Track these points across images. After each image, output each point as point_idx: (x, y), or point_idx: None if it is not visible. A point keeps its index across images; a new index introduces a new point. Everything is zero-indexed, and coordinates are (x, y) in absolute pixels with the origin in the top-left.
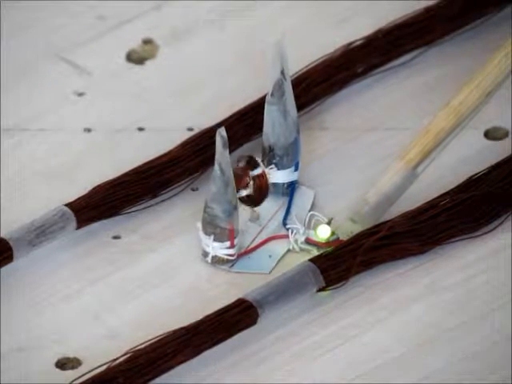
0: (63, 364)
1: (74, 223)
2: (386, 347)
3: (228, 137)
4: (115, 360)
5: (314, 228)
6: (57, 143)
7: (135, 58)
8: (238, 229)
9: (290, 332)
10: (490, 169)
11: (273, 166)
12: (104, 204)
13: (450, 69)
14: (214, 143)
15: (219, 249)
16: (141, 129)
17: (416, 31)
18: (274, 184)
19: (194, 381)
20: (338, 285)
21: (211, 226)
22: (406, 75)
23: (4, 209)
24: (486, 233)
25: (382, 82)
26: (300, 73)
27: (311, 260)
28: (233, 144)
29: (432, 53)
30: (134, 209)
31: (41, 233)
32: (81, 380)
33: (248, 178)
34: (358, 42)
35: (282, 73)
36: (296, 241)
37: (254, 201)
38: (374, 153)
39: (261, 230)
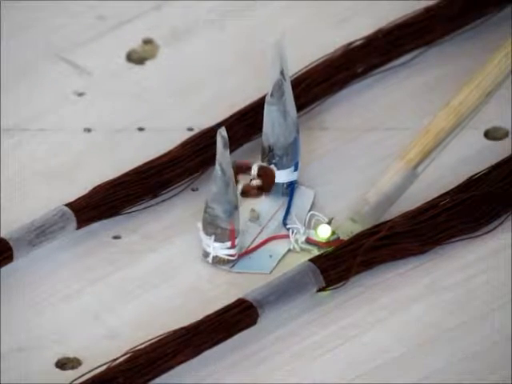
0: (63, 364)
1: (74, 223)
2: (386, 347)
3: (228, 137)
4: (115, 360)
5: (315, 228)
6: (57, 143)
7: (135, 58)
8: (239, 229)
9: (289, 332)
10: (490, 169)
11: (272, 165)
12: (104, 204)
13: (449, 69)
14: (214, 143)
15: (220, 249)
16: (141, 129)
17: (416, 31)
18: (274, 184)
19: (194, 381)
20: (338, 285)
21: (212, 227)
22: (406, 75)
23: (4, 209)
24: (486, 233)
25: (382, 82)
26: (300, 73)
27: (311, 260)
28: (233, 144)
29: (432, 53)
30: (134, 209)
31: (41, 233)
32: (81, 380)
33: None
34: (358, 42)
35: (282, 73)
36: (296, 241)
37: (263, 188)
38: (374, 153)
39: (261, 230)
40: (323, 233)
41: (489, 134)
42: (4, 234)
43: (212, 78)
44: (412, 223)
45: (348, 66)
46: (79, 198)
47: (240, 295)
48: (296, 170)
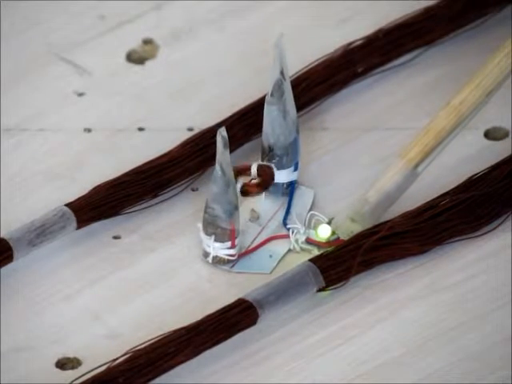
0: (63, 364)
1: (74, 223)
2: (386, 347)
3: (228, 137)
4: (115, 360)
5: (315, 228)
6: (57, 143)
7: (135, 58)
8: (239, 229)
9: (290, 332)
10: (490, 169)
11: (272, 165)
12: (104, 204)
13: (450, 69)
14: (214, 143)
15: (220, 249)
16: (141, 129)
17: (416, 31)
18: (274, 184)
19: (194, 381)
20: (337, 285)
21: (212, 227)
22: (406, 75)
23: (4, 209)
24: (486, 233)
25: (381, 82)
26: (300, 73)
27: (311, 260)
28: (233, 144)
29: (432, 53)
30: (134, 209)
31: (41, 233)
32: (81, 380)
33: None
34: (358, 42)
35: (282, 73)
36: (297, 241)
37: (262, 186)
38: (374, 153)
39: (261, 230)
40: (323, 233)
41: (489, 134)
42: (4, 234)
43: (212, 78)
44: (412, 223)
45: (348, 66)
46: (79, 198)
47: (240, 295)
48: (296, 169)
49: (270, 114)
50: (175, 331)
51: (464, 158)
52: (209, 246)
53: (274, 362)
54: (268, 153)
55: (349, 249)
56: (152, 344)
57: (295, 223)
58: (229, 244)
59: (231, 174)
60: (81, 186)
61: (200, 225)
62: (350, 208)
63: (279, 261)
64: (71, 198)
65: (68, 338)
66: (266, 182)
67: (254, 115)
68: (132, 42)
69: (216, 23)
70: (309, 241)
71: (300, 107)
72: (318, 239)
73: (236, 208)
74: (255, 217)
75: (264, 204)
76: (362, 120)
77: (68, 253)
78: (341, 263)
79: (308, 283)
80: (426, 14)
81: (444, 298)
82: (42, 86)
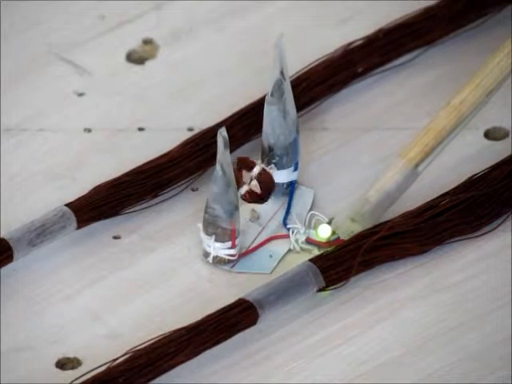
0: (63, 364)
1: (74, 223)
2: (386, 347)
3: (228, 137)
4: (115, 360)
5: (315, 228)
6: (57, 143)
7: (135, 58)
8: (239, 229)
9: (290, 332)
10: (490, 169)
11: (272, 165)
12: (104, 204)
13: (449, 69)
14: (214, 143)
15: (220, 249)
16: (141, 129)
17: (416, 31)
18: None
19: (194, 381)
20: (337, 285)
21: (212, 227)
22: (406, 75)
23: (4, 209)
24: (486, 233)
25: (382, 82)
26: (300, 73)
27: (311, 260)
28: (233, 144)
29: (432, 53)
30: (134, 209)
31: (41, 233)
32: (81, 380)
33: (244, 180)
34: (358, 42)
35: (282, 73)
36: (297, 240)
37: (262, 197)
38: (374, 153)
39: (261, 230)
40: (323, 233)
41: (489, 134)
42: (4, 234)
43: (212, 78)
44: (412, 223)
45: (348, 66)
46: (79, 198)
47: (240, 295)
48: (296, 169)
49: (269, 114)
50: (175, 331)
51: (464, 158)
52: (209, 246)
53: (274, 362)
54: (268, 153)
55: (349, 249)
56: (152, 344)
57: (295, 223)
58: (229, 244)
59: (232, 174)
60: (81, 185)
61: (200, 225)
62: (350, 208)
63: (279, 261)
64: (71, 198)
65: (68, 338)
66: (265, 192)
67: (254, 115)
68: (132, 42)
69: (216, 23)
70: (309, 241)
71: (300, 107)
72: (318, 239)
73: (236, 208)
74: (255, 217)
75: (264, 204)
76: (362, 120)
77: (68, 253)
78: (341, 263)
79: (308, 283)
80: (426, 14)
81: (444, 298)
82: (42, 85)
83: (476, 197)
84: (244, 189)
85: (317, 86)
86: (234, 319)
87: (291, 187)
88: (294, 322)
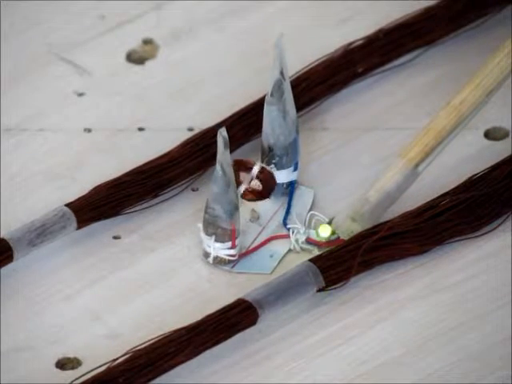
0: (63, 364)
1: (74, 223)
2: (386, 347)
3: (228, 137)
4: (115, 360)
5: (315, 228)
6: (57, 143)
7: (135, 58)
8: (240, 229)
9: (290, 332)
10: (490, 169)
11: (272, 165)
12: (104, 204)
13: (449, 69)
14: (214, 143)
15: (221, 249)
16: (141, 129)
17: (416, 31)
18: None
19: (194, 381)
20: (337, 285)
21: (213, 227)
22: (406, 75)
23: (4, 209)
24: (486, 233)
25: (382, 82)
26: (300, 73)
27: (311, 260)
28: (233, 144)
29: (432, 53)
30: (134, 209)
31: (41, 233)
32: (81, 380)
33: (243, 180)
34: (358, 42)
35: (281, 73)
36: (297, 241)
37: (262, 194)
38: (374, 153)
39: (261, 231)
40: (323, 233)
41: (489, 134)
42: (4, 234)
43: (212, 78)
44: (412, 223)
45: (348, 66)
46: (79, 198)
47: (240, 295)
48: (296, 169)
49: (269, 114)
50: (175, 331)
51: (464, 158)
52: (209, 247)
53: (274, 362)
54: (268, 153)
55: (349, 249)
56: (152, 344)
57: (295, 223)
58: (229, 244)
59: (232, 174)
60: (81, 186)
61: (200, 225)
62: (350, 208)
63: (280, 261)
64: (71, 198)
65: (68, 338)
66: (266, 190)
67: (253, 115)
68: (132, 42)
69: (216, 23)
70: (309, 241)
71: (300, 107)
72: (318, 239)
73: (236, 208)
74: (255, 217)
75: (264, 204)
76: (362, 120)
77: (68, 253)
78: (341, 263)
79: (308, 283)
80: (426, 14)
81: (444, 298)
82: (42, 85)
83: (476, 197)
84: (243, 187)
85: (317, 85)
86: (234, 319)
87: (291, 187)
88: (294, 322)
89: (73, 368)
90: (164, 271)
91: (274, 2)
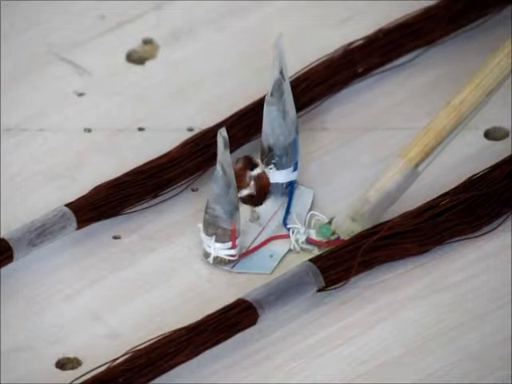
0: (63, 364)
1: (74, 223)
2: (386, 347)
3: (228, 137)
4: (115, 360)
5: (315, 228)
6: (57, 143)
7: (135, 58)
8: (240, 229)
9: (290, 332)
10: (490, 169)
11: (272, 165)
12: (104, 204)
13: (449, 69)
14: (214, 143)
15: (221, 249)
16: (141, 129)
17: (416, 31)
18: (274, 184)
19: (194, 381)
20: (337, 285)
21: (213, 227)
22: (406, 75)
23: (4, 209)
24: (486, 233)
25: (382, 82)
26: (300, 73)
27: (311, 260)
28: (233, 144)
29: (432, 53)
30: (134, 209)
31: (41, 233)
32: (81, 380)
33: (248, 179)
34: (358, 42)
35: (281, 73)
36: (297, 240)
37: (255, 201)
38: (374, 153)
39: (261, 231)
40: (323, 232)
41: (489, 134)
42: (4, 234)
43: (212, 78)
44: (412, 223)
45: (348, 66)
46: (79, 198)
47: (240, 295)
48: (295, 169)
49: (269, 115)
50: (175, 331)
51: (464, 158)
52: (209, 247)
53: (274, 362)
54: (267, 153)
55: (349, 249)
56: (152, 344)
57: (295, 223)
58: (230, 244)
59: (232, 174)
60: (81, 186)
61: (200, 225)
62: (350, 208)
63: (280, 261)
64: (71, 198)
65: (68, 338)
66: (259, 195)
67: (253, 115)
68: (132, 42)
69: (216, 23)
70: (309, 241)
71: (300, 107)
72: (318, 239)
73: (237, 208)
74: (255, 217)
75: (264, 204)
76: (362, 120)
77: (68, 253)
78: (341, 263)
79: (308, 283)
80: (426, 14)
81: (444, 298)
82: (42, 85)
83: (476, 197)
84: (245, 192)
85: (317, 86)
86: (234, 319)
87: (291, 187)
88: (294, 322)
89: (73, 368)
90: (164, 271)
91: (274, 2)
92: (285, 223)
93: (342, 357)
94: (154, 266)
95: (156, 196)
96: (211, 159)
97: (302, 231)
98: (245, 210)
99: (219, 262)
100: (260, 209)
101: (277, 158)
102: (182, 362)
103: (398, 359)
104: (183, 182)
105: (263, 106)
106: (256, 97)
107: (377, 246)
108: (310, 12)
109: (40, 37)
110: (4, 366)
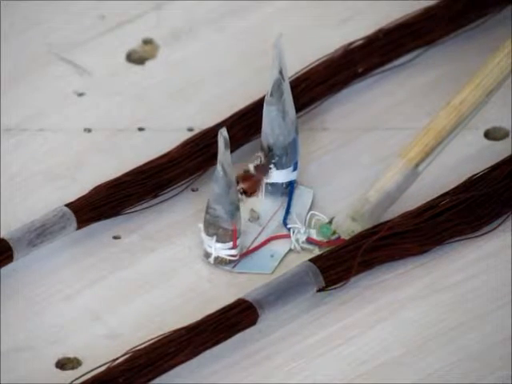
0: (63, 364)
1: (74, 223)
2: (386, 347)
3: (228, 137)
4: (115, 360)
5: (315, 227)
6: (57, 143)
7: (135, 58)
8: (240, 229)
9: (290, 332)
10: (490, 169)
11: (272, 165)
12: (104, 204)
13: (449, 69)
14: (214, 143)
15: (222, 250)
16: (141, 129)
17: (416, 31)
18: (273, 184)
19: (194, 381)
20: (337, 285)
21: (213, 227)
22: (406, 75)
23: (4, 209)
24: (486, 233)
25: (381, 82)
26: (300, 73)
27: (311, 260)
28: (232, 145)
29: (432, 53)
30: (134, 209)
31: (41, 233)
32: (81, 380)
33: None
34: (358, 42)
35: (281, 73)
36: (297, 240)
37: (246, 192)
38: (374, 153)
39: (261, 231)
40: (324, 232)
41: (489, 134)
42: (4, 234)
43: (212, 78)
44: (412, 223)
45: (348, 66)
46: (79, 198)
47: (240, 295)
48: (295, 169)
49: (269, 115)
50: (175, 331)
51: (464, 158)
52: (210, 247)
53: (274, 362)
54: (267, 153)
55: (349, 249)
56: (152, 344)
57: (295, 223)
58: (230, 244)
59: (232, 174)
60: (81, 186)
61: (201, 225)
62: (350, 208)
63: (280, 261)
64: (71, 198)
65: (68, 338)
66: (249, 189)
67: (253, 115)
68: (132, 42)
69: (216, 23)
70: (310, 240)
71: (300, 107)
72: (318, 239)
73: (237, 208)
74: (255, 217)
75: (264, 204)
76: (362, 120)
77: (68, 253)
78: (341, 263)
79: (308, 283)
80: (426, 14)
81: (444, 298)
82: (42, 85)
83: (476, 197)
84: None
85: (317, 86)
86: (234, 319)
87: (290, 187)
88: (294, 322)
89: (73, 368)
90: (164, 271)
91: (274, 2)
92: (285, 223)
93: (342, 357)
94: (154, 266)
95: (156, 196)
96: (211, 159)
97: (302, 231)
98: (244, 210)
99: (220, 262)
100: (260, 209)
101: (276, 158)
102: (182, 362)
103: (398, 359)
104: (183, 181)
105: (263, 106)
106: (256, 97)
107: (377, 245)
108: (310, 12)
109: (40, 37)
110: (4, 366)
